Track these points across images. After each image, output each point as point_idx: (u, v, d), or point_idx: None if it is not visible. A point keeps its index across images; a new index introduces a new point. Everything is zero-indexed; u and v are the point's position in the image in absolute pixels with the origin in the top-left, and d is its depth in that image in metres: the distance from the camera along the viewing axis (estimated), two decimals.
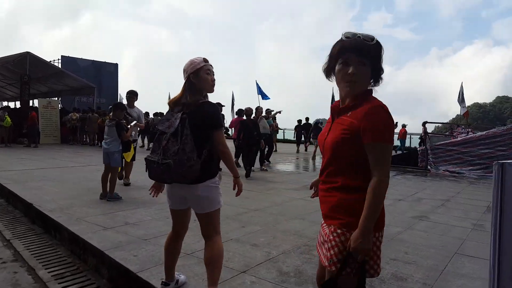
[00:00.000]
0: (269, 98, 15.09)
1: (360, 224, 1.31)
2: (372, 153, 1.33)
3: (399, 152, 15.45)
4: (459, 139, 9.51)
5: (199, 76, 2.10)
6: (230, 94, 23.23)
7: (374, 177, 1.31)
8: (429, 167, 9.77)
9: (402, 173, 9.20)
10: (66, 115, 16.00)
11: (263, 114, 9.00)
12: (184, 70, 2.15)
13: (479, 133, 9.22)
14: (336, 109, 1.51)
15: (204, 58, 2.15)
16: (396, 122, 17.37)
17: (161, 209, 4.35)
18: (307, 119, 15.89)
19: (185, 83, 2.15)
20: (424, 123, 10.61)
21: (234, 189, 2.21)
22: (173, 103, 2.19)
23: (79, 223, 3.66)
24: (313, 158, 12.11)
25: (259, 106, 9.06)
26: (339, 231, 1.38)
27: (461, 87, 16.67)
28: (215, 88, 2.20)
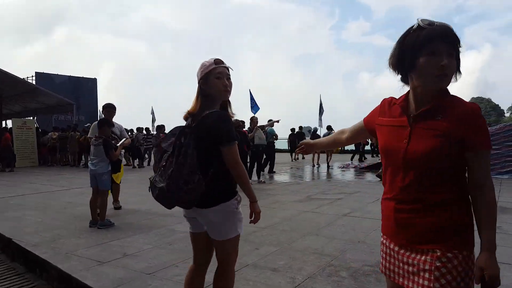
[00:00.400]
0: (255, 111, 14.75)
1: (488, 244, 1.12)
2: (481, 161, 1.16)
3: None
4: None
5: (208, 81, 1.77)
6: None
7: (485, 187, 1.15)
8: None
9: None
10: (43, 135, 15.17)
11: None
12: (197, 76, 1.83)
13: None
14: (405, 109, 1.25)
15: (216, 59, 1.80)
16: None
17: (161, 235, 3.90)
18: (300, 128, 15.79)
19: (197, 90, 1.84)
20: None
21: (251, 216, 1.84)
22: (186, 116, 1.86)
23: (69, 259, 3.18)
24: (317, 165, 12.60)
25: (254, 116, 8.71)
26: (449, 254, 1.14)
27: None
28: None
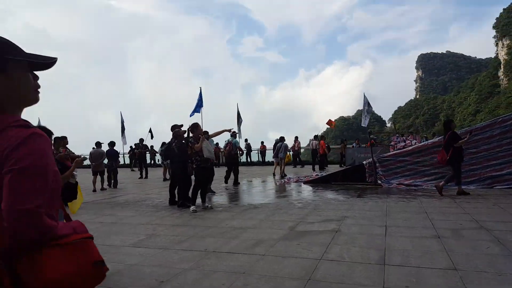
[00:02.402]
0: (193, 114, 13.01)
1: None
2: None
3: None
4: (410, 148, 8.93)
5: None
6: (109, 119, 19.77)
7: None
8: (379, 181, 8.89)
9: (363, 192, 8.02)
10: None
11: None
12: None
13: (431, 141, 8.79)
14: None
15: None
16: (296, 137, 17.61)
17: None
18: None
19: None
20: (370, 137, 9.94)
21: None
22: None
23: None
24: (281, 175, 12.22)
25: (196, 123, 6.43)
26: None
27: (365, 97, 17.34)
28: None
